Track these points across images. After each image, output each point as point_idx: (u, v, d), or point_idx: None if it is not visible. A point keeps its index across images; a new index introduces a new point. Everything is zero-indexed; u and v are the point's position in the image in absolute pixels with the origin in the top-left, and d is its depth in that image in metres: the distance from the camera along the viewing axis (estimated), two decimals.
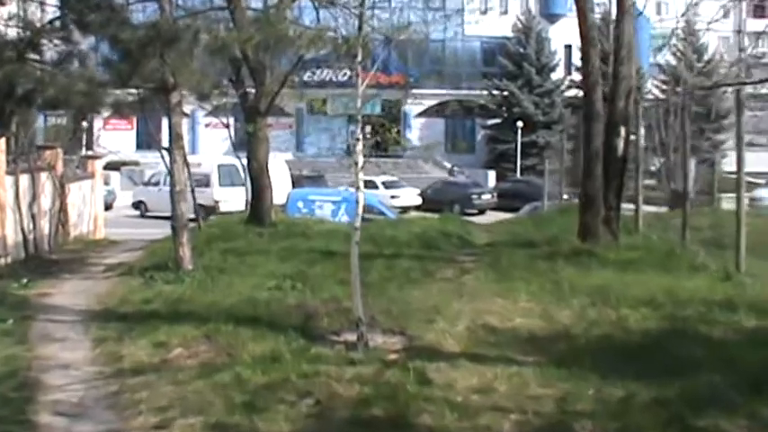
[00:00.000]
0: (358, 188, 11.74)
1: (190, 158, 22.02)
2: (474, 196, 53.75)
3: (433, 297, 13.64)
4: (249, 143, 24.72)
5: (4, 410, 9.36)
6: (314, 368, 9.98)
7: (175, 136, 17.74)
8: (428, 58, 67.78)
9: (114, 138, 58.55)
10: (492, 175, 64.84)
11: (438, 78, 72.31)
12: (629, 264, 15.87)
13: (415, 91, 67.69)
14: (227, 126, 33.47)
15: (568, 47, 70.63)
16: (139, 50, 15.86)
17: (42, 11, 19.31)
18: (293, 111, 68.30)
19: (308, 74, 51.46)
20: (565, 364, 9.67)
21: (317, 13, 20.62)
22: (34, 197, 21.98)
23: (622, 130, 18.42)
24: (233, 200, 35.72)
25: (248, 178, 25.61)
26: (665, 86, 61.04)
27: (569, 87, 67.81)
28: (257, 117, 24.03)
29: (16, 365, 11.17)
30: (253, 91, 24.30)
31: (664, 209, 27.73)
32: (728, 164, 38.17)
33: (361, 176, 11.71)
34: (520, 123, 65.56)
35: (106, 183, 41.91)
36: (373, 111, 61.05)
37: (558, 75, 71.51)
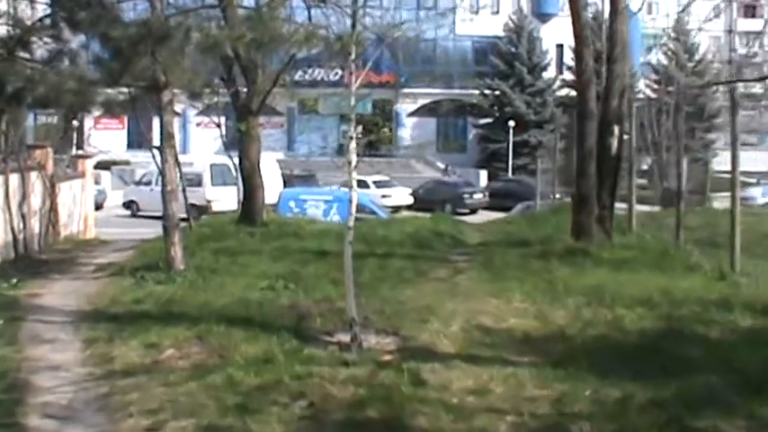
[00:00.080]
0: (351, 187, 11.65)
1: (182, 158, 21.92)
2: (466, 196, 53.71)
3: (427, 297, 13.56)
4: (241, 142, 24.63)
5: None
6: (307, 369, 9.88)
7: (167, 135, 17.62)
8: (420, 58, 67.79)
9: (105, 137, 58.41)
10: (483, 174, 64.82)
11: (430, 78, 72.36)
12: (623, 263, 15.82)
13: (406, 90, 67.81)
14: (219, 125, 33.33)
15: (560, 46, 70.86)
16: (130, 48, 15.74)
17: (32, 8, 19.23)
18: (285, 110, 68.17)
19: (300, 73, 51.33)
20: (561, 365, 9.59)
21: (309, 12, 20.54)
22: (24, 197, 21.84)
23: (616, 129, 18.38)
24: (225, 199, 35.63)
25: (240, 178, 25.50)
26: (656, 86, 61.03)
27: (561, 87, 68.01)
28: (249, 116, 23.93)
29: (5, 367, 11.03)
30: (244, 90, 24.19)
31: (655, 208, 27.74)
32: (719, 163, 38.33)
33: (355, 176, 11.62)
34: (511, 123, 65.61)
35: (97, 182, 41.70)
36: (364, 110, 61.06)
37: (549, 74, 71.62)
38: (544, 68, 71.36)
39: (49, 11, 18.02)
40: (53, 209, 24.23)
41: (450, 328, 11.66)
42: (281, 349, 10.82)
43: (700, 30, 42.82)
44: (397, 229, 23.10)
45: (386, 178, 53.07)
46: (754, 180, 42.02)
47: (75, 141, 48.18)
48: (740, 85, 21.27)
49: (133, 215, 44.33)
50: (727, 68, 70.67)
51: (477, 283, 14.91)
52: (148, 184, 42.31)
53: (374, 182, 49.80)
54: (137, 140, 58.00)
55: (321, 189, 40.02)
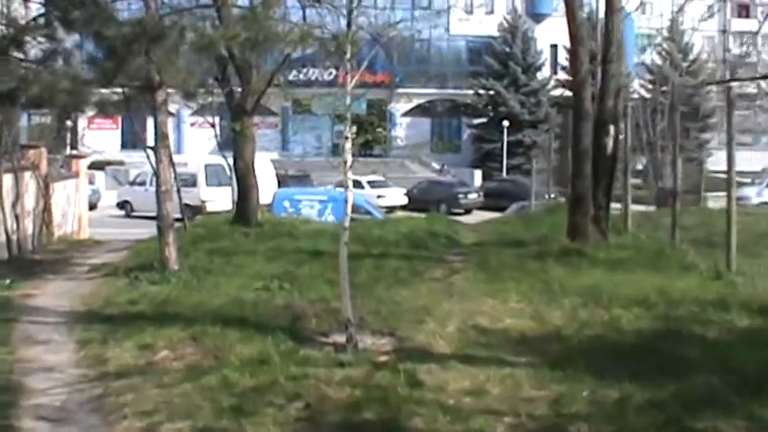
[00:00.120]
0: (347, 187, 11.60)
1: (176, 158, 21.87)
2: (460, 196, 53.66)
3: (423, 297, 13.52)
4: (235, 142, 24.56)
5: None
6: (303, 370, 9.82)
7: (161, 135, 17.57)
8: (414, 58, 67.78)
9: (99, 137, 58.24)
10: (478, 174, 64.80)
11: (424, 77, 72.38)
12: (619, 263, 15.78)
13: (400, 90, 67.76)
14: (213, 125, 33.30)
15: (554, 46, 70.94)
16: (124, 48, 15.68)
17: (26, 8, 19.15)
18: (279, 110, 68.08)
19: (294, 73, 51.27)
20: (558, 366, 9.53)
21: (304, 11, 20.46)
22: (18, 197, 21.79)
23: (612, 129, 18.35)
24: (220, 200, 35.53)
25: (234, 178, 25.44)
26: (650, 86, 61.02)
27: (555, 87, 68.04)
28: (243, 116, 23.85)
29: None
30: (239, 90, 24.13)
31: (650, 208, 27.73)
32: (713, 163, 38.34)
33: (350, 176, 11.57)
34: (506, 123, 65.60)
35: (91, 182, 41.61)
36: (359, 109, 60.99)
37: (543, 74, 71.66)
38: (538, 68, 71.41)
39: (42, 10, 17.96)
40: (47, 209, 24.19)
41: (447, 328, 11.60)
42: (276, 350, 10.76)
43: (694, 30, 42.81)
44: (393, 230, 23.06)
45: (380, 178, 53.01)
46: (748, 180, 42.00)
47: (68, 141, 47.96)
48: (735, 84, 21.18)
49: (127, 215, 44.25)
50: (722, 68, 70.82)
51: (472, 283, 14.86)
52: (143, 184, 42.22)
53: (369, 182, 49.73)
54: (131, 140, 57.95)
55: (316, 189, 39.96)
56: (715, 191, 31.02)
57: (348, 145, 11.49)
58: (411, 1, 52.90)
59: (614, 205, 19.92)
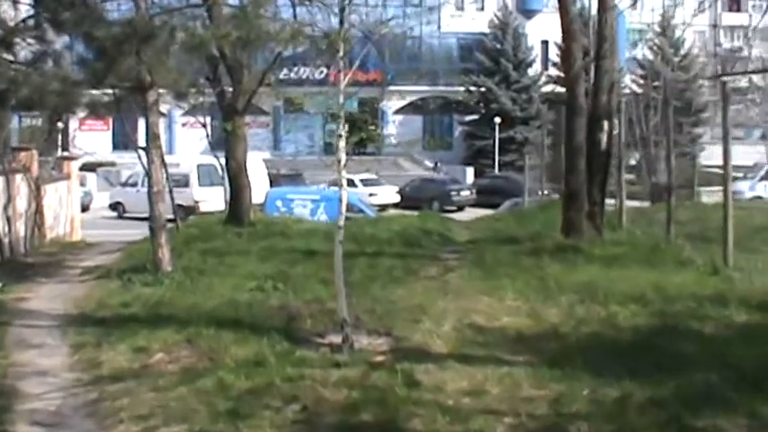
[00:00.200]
0: (341, 186, 11.52)
1: (169, 158, 21.77)
2: (453, 193, 53.61)
3: (418, 296, 13.45)
4: (227, 142, 24.49)
5: None
6: (299, 372, 9.75)
7: (152, 136, 17.47)
8: (405, 55, 67.63)
9: (90, 138, 58.08)
10: (470, 171, 64.72)
11: (415, 75, 72.22)
12: (614, 259, 15.72)
13: (392, 88, 67.60)
14: (205, 125, 33.20)
15: (545, 42, 70.96)
16: (115, 48, 15.59)
17: (15, 9, 19.01)
18: (270, 109, 67.94)
19: (285, 72, 51.15)
20: (557, 364, 9.47)
21: (294, 9, 20.39)
22: (9, 199, 21.68)
23: (605, 125, 18.30)
24: (213, 200, 35.45)
25: (227, 178, 25.36)
26: (642, 81, 61.06)
27: (546, 83, 67.98)
28: (235, 116, 23.79)
29: None
30: (230, 89, 24.04)
31: (644, 203, 27.70)
32: (706, 157, 38.36)
33: (344, 174, 11.50)
34: (497, 119, 65.52)
35: (82, 184, 41.49)
36: (351, 108, 60.89)
37: (535, 70, 71.59)
38: (529, 65, 71.34)
39: (32, 11, 17.85)
40: (39, 211, 24.08)
41: (443, 327, 11.54)
42: (271, 351, 10.69)
43: (688, 25, 42.82)
44: (386, 228, 22.99)
45: (373, 176, 52.95)
46: (740, 174, 42.01)
47: (60, 143, 47.92)
48: (727, 78, 21.20)
49: (119, 216, 44.14)
50: (713, 63, 70.94)
51: (468, 281, 14.78)
52: (135, 185, 42.11)
53: (361, 180, 49.66)
54: (122, 141, 57.73)
55: (308, 188, 39.89)
56: (708, 185, 31.05)
57: (342, 144, 11.40)
58: None
59: (608, 201, 19.87)
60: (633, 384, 8.70)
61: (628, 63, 64.41)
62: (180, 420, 8.63)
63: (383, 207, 45.65)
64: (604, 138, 18.29)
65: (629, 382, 8.77)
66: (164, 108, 30.15)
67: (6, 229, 21.23)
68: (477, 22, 71.21)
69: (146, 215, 18.48)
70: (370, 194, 48.24)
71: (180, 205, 27.36)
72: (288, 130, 71.80)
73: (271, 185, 39.46)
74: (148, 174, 17.45)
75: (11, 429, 8.87)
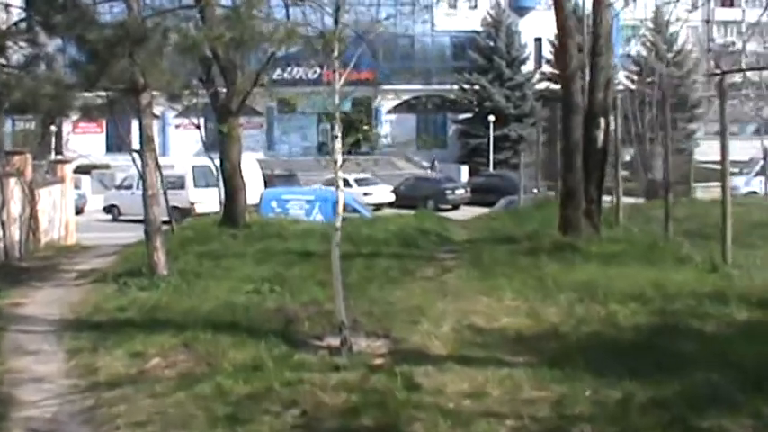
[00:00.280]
0: (338, 187, 11.44)
1: (164, 160, 21.67)
2: (448, 192, 53.57)
3: (416, 297, 13.37)
4: (221, 144, 24.39)
5: None
6: (298, 375, 9.68)
7: (146, 138, 17.35)
8: (398, 54, 67.59)
9: (84, 141, 58.01)
10: (465, 169, 64.67)
11: (409, 74, 72.11)
12: (612, 257, 15.66)
13: (385, 87, 67.48)
14: (199, 127, 33.09)
15: (538, 40, 70.98)
16: (107, 51, 15.50)
17: (7, 12, 18.91)
18: (264, 110, 67.86)
19: (278, 72, 51.04)
20: (557, 365, 9.39)
21: (287, 10, 20.31)
22: (3, 204, 21.59)
23: (602, 122, 18.24)
24: (208, 201, 35.35)
25: (221, 179, 25.28)
26: (636, 77, 61.04)
27: (540, 80, 68.03)
28: (229, 117, 23.70)
29: None
30: (224, 91, 23.95)
31: (640, 200, 27.65)
32: (701, 153, 38.29)
33: (341, 175, 11.42)
34: (491, 117, 65.50)
35: (77, 187, 41.43)
36: (344, 107, 60.80)
37: (528, 68, 71.60)
38: (523, 62, 71.35)
39: (23, 15, 17.75)
40: (33, 215, 23.98)
41: (442, 328, 11.47)
42: (269, 355, 10.60)
43: (684, 21, 42.72)
44: (382, 228, 22.91)
45: (367, 176, 52.90)
46: (736, 170, 41.97)
47: (53, 146, 47.84)
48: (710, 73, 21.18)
49: (114, 219, 43.99)
50: (706, 58, 70.91)
51: (466, 281, 14.71)
52: (129, 187, 42.00)
53: (356, 180, 49.58)
54: (116, 144, 57.58)
55: (303, 189, 39.80)
56: (704, 181, 31.01)
57: (338, 144, 11.31)
58: None
59: (604, 198, 19.82)
60: (635, 385, 8.64)
61: (621, 59, 64.43)
62: (178, 427, 8.56)
63: (378, 206, 45.60)
64: (601, 135, 18.23)
65: (631, 382, 8.71)
66: (157, 110, 30.11)
67: (1, 233, 21.13)
68: (469, 21, 71.14)
69: (141, 218, 18.34)
70: (365, 194, 48.20)
71: (176, 207, 27.29)
72: (284, 131, 71.71)
73: (265, 186, 39.39)
74: (143, 177, 17.34)
75: None
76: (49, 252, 24.29)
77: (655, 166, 31.75)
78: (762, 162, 40.17)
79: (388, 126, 73.06)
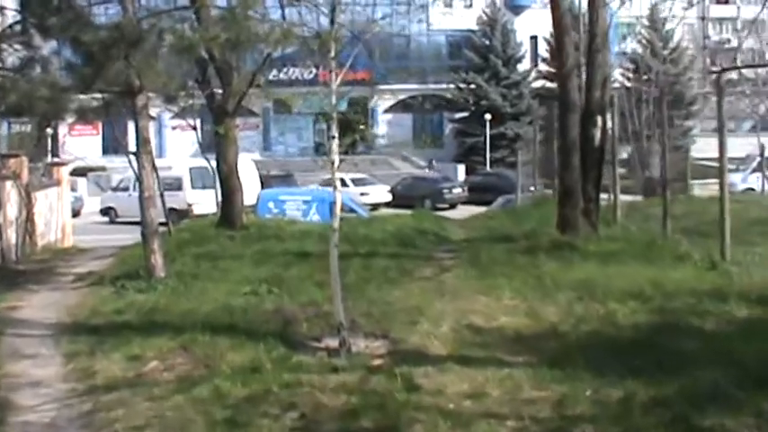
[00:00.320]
0: (335, 188, 11.39)
1: (161, 162, 21.63)
2: (445, 191, 53.44)
3: (414, 297, 13.33)
4: (218, 145, 24.33)
5: None
6: (296, 377, 9.62)
7: (142, 140, 17.31)
8: (394, 54, 67.51)
9: (80, 143, 57.93)
10: (461, 168, 64.59)
11: (405, 73, 72.06)
12: (611, 256, 15.63)
13: (382, 87, 67.43)
14: (195, 128, 33.01)
15: (534, 38, 70.92)
16: (103, 53, 15.45)
17: (2, 15, 18.86)
18: (260, 111, 67.80)
19: (274, 72, 51.00)
20: (557, 365, 9.34)
21: (283, 10, 20.25)
22: (0, 207, 21.50)
23: (599, 120, 18.20)
24: (206, 202, 35.27)
25: (218, 181, 25.23)
26: (631, 75, 60.98)
27: (536, 78, 67.96)
28: (225, 118, 23.64)
29: None
30: (220, 91, 23.89)
31: (637, 197, 27.63)
32: (697, 150, 38.28)
33: (338, 175, 11.37)
34: (488, 116, 65.42)
35: (73, 189, 41.32)
36: (340, 107, 60.74)
37: (524, 66, 71.51)
38: (519, 60, 71.25)
39: (18, 17, 17.69)
40: (30, 218, 23.94)
41: (441, 328, 11.42)
42: (268, 357, 10.55)
43: (682, 18, 42.68)
44: (379, 228, 22.87)
45: (364, 176, 52.83)
46: (733, 166, 41.97)
47: (49, 149, 47.78)
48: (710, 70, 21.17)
49: (111, 222, 43.90)
50: (702, 55, 70.88)
51: (464, 280, 14.66)
52: (126, 189, 41.89)
53: (352, 179, 49.49)
54: (112, 146, 57.49)
55: (300, 189, 39.69)
56: (700, 178, 31.01)
57: (335, 145, 11.26)
58: None
59: (601, 196, 19.77)
60: (636, 384, 8.58)
61: (617, 57, 64.42)
62: (177, 431, 8.49)
63: (375, 206, 45.49)
64: (598, 133, 18.20)
65: (632, 381, 8.66)
66: (153, 111, 29.99)
67: None
68: (465, 19, 71.07)
69: (138, 220, 18.31)
70: (362, 194, 48.07)
71: (173, 209, 27.23)
72: (281, 131, 71.64)
73: (262, 187, 39.32)
74: (139, 178, 17.30)
75: None
76: (45, 255, 24.25)
77: (651, 163, 31.76)
78: (758, 159, 40.21)
79: (384, 126, 73.11)
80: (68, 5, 16.06)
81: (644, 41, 67.15)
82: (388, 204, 49.12)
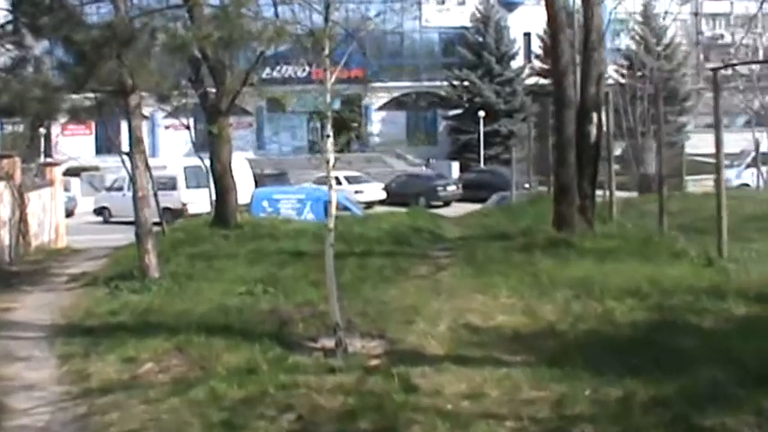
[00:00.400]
0: (330, 187, 11.33)
1: (155, 161, 21.54)
2: (439, 188, 53.44)
3: (410, 296, 13.26)
4: (211, 144, 24.27)
5: None
6: (293, 379, 9.54)
7: (136, 140, 17.23)
8: (387, 51, 67.46)
9: (73, 143, 57.79)
10: (455, 166, 64.52)
11: (398, 71, 72.02)
12: (607, 253, 15.56)
13: (375, 84, 67.38)
14: (188, 127, 32.93)
15: (527, 35, 70.82)
16: (95, 52, 15.37)
17: None
18: (254, 109, 67.69)
19: (267, 71, 50.94)
20: (556, 364, 9.27)
21: (276, 8, 20.17)
22: None
23: (594, 117, 18.13)
24: (200, 202, 35.18)
25: (212, 180, 25.16)
26: (625, 71, 60.96)
27: (530, 75, 67.93)
28: (219, 117, 23.59)
29: None
30: (213, 90, 23.82)
31: (632, 194, 27.59)
32: (691, 146, 38.28)
33: (333, 174, 11.30)
34: (482, 113, 65.33)
35: (66, 189, 41.23)
36: (334, 105, 60.67)
37: (517, 63, 71.41)
38: (512, 57, 71.16)
39: (9, 17, 17.58)
40: (23, 219, 23.85)
41: (437, 328, 11.35)
42: (264, 358, 10.46)
43: (671, 15, 42.72)
44: (374, 226, 22.82)
45: (358, 174, 52.78)
46: (727, 162, 41.96)
47: (42, 149, 47.65)
48: (712, 67, 21.11)
49: (105, 222, 43.78)
50: (695, 51, 70.91)
51: (460, 279, 14.59)
52: (120, 189, 41.77)
53: (346, 177, 49.43)
54: (105, 145, 57.31)
55: (294, 188, 39.62)
56: (695, 174, 31.00)
57: (330, 144, 11.19)
58: None
59: (597, 193, 19.72)
60: (635, 383, 8.52)
61: (611, 53, 64.40)
62: None
63: (369, 204, 45.45)
64: (594, 130, 18.14)
65: (631, 380, 8.59)
66: (146, 111, 29.93)
67: None
68: (458, 16, 70.97)
69: (131, 220, 18.23)
70: (356, 192, 48.02)
71: (168, 208, 27.13)
72: (276, 131, 71.54)
73: (256, 186, 39.24)
74: (133, 179, 17.21)
75: None
76: (39, 256, 24.17)
77: (646, 159, 31.74)
78: (753, 154, 40.21)
79: (378, 123, 73.06)
80: (60, 5, 15.97)
81: (637, 38, 67.12)
82: (382, 202, 49.07)
